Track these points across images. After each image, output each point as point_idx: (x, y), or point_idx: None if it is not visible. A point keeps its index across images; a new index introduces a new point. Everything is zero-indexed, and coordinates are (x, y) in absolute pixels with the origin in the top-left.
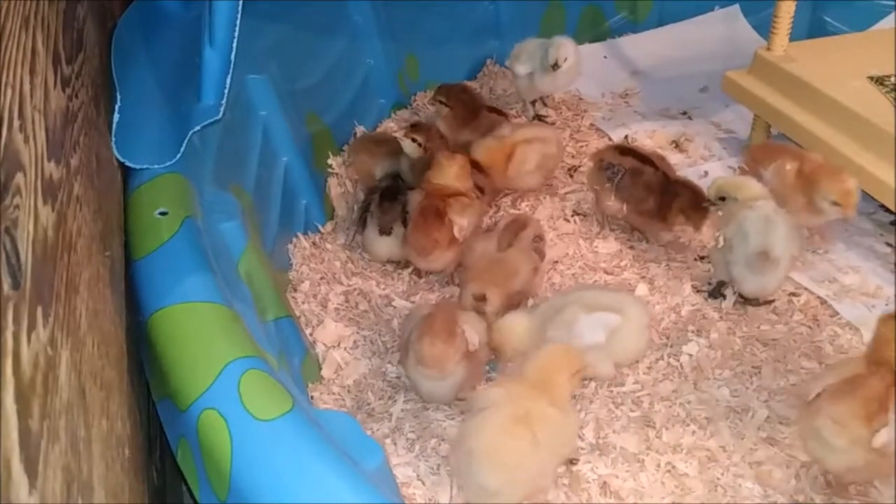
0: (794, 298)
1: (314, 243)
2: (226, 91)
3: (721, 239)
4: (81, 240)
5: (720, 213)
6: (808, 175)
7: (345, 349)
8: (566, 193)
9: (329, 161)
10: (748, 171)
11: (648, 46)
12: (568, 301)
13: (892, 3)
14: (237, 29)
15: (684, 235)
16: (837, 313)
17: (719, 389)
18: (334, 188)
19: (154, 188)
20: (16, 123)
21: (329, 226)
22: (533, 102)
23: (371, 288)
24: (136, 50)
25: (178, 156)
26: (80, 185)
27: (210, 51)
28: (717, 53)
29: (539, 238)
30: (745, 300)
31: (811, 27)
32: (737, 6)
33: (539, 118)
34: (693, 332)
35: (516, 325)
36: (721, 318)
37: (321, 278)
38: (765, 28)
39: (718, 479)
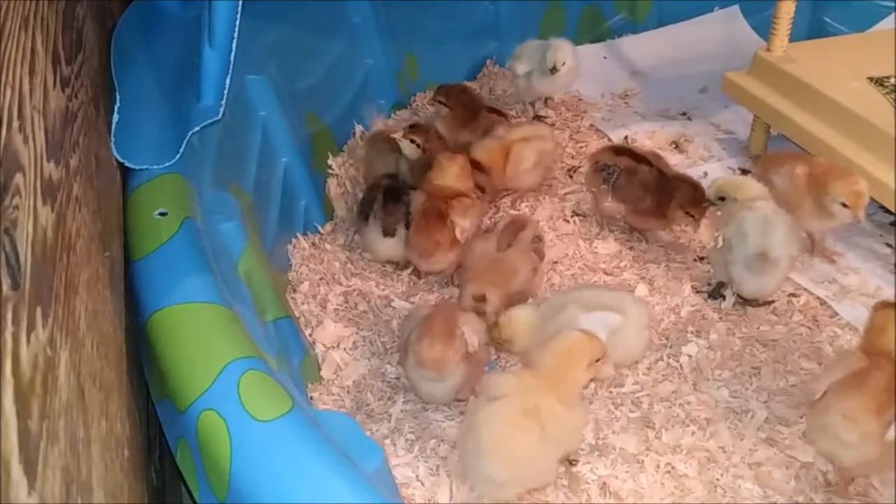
0: (794, 299)
1: (313, 244)
2: (225, 91)
3: (720, 239)
4: (81, 240)
5: (719, 213)
6: (817, 177)
7: (344, 350)
8: (566, 194)
9: (329, 161)
10: (760, 180)
11: (648, 47)
12: (568, 300)
13: (892, 3)
14: (237, 29)
15: (684, 234)
16: (837, 314)
17: (719, 390)
18: (334, 188)
19: (153, 189)
20: (15, 124)
21: (328, 226)
22: (532, 103)
23: (370, 288)
24: (136, 50)
25: (178, 156)
26: (79, 185)
27: (209, 51)
28: (717, 54)
29: (538, 239)
30: (744, 301)
31: (811, 28)
32: (736, 7)
33: (539, 119)
34: (692, 332)
35: (526, 317)
36: (720, 318)
37: (320, 279)
38: (764, 29)
39: (718, 479)
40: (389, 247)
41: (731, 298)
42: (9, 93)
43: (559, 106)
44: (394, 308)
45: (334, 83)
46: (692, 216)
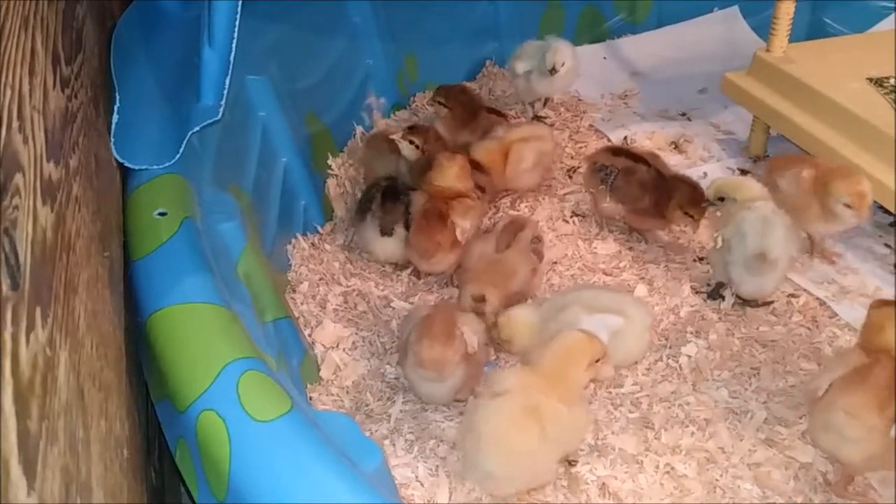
0: (793, 300)
1: (313, 244)
2: (225, 91)
3: (720, 240)
4: (80, 240)
5: (719, 213)
6: (821, 177)
7: (343, 350)
8: (565, 195)
9: (328, 161)
10: (766, 183)
11: (647, 47)
12: (568, 301)
13: (892, 4)
14: (236, 29)
15: (683, 235)
16: (836, 314)
17: (718, 391)
18: (333, 189)
19: (153, 189)
20: (15, 124)
21: (328, 226)
22: (532, 103)
23: (370, 289)
24: (136, 50)
25: (178, 156)
26: (79, 185)
27: (209, 51)
28: (717, 54)
29: (537, 239)
30: (743, 301)
31: (810, 28)
32: (736, 7)
33: (538, 119)
34: (692, 333)
35: (525, 317)
36: (720, 319)
37: (320, 279)
38: (764, 29)
39: (717, 480)
40: (387, 246)
41: (730, 299)
42: (9, 93)
43: (558, 106)
44: (393, 308)
45: (334, 83)
46: (691, 216)
